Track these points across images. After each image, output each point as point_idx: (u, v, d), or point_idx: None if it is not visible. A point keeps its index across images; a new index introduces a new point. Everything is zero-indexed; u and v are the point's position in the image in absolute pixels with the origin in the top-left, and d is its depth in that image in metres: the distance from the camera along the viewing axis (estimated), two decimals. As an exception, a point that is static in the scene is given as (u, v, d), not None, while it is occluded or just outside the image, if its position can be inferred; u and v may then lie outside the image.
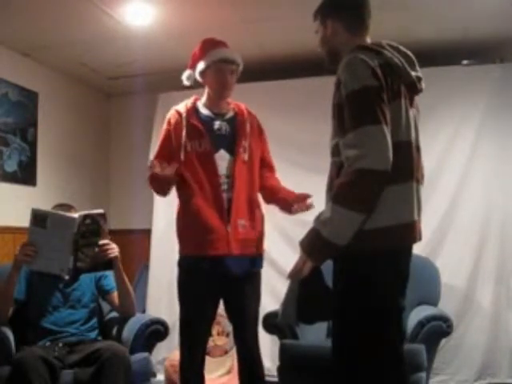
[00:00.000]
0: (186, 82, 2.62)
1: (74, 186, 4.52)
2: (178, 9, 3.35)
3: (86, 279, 2.95)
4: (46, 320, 2.84)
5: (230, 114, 2.58)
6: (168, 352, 3.86)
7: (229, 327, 3.60)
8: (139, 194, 4.51)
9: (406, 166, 1.78)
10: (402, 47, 1.90)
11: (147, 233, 4.42)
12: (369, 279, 1.75)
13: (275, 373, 3.15)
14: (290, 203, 2.52)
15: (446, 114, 3.82)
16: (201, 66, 2.52)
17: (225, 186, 2.45)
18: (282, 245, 3.84)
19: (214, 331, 3.73)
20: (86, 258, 2.73)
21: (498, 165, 3.72)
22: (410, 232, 1.80)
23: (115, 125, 5.04)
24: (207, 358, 2.60)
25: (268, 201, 2.66)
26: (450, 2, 3.31)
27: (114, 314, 3.12)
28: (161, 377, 3.89)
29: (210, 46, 2.53)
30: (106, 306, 3.16)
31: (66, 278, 2.73)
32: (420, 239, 1.87)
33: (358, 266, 1.76)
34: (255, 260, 2.51)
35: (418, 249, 2.05)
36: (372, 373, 1.76)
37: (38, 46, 3.89)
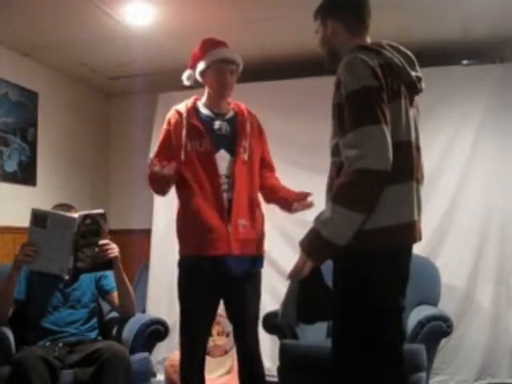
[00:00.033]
0: (186, 82, 2.62)
1: (73, 186, 4.52)
2: (178, 9, 3.35)
3: (86, 279, 2.95)
4: (46, 320, 2.84)
5: (230, 114, 2.58)
6: (168, 352, 3.86)
7: (229, 327, 3.60)
8: (139, 194, 4.51)
9: (405, 166, 1.78)
10: (401, 47, 1.90)
11: (147, 233, 4.42)
12: (369, 279, 1.75)
13: (275, 373, 3.15)
14: (291, 202, 2.52)
15: (446, 114, 3.82)
16: (201, 66, 2.51)
17: (225, 186, 2.45)
18: (282, 245, 3.84)
19: (214, 331, 3.73)
20: (86, 258, 2.73)
21: (497, 165, 3.72)
22: (410, 232, 1.80)
23: (115, 125, 5.04)
24: (207, 358, 2.60)
25: (268, 200, 2.66)
26: (450, 2, 3.32)
27: (114, 314, 3.12)
28: (161, 377, 3.89)
29: (210, 45, 2.53)
30: (106, 306, 3.16)
31: (66, 277, 2.73)
32: (420, 239, 1.87)
33: (358, 265, 1.76)
34: (255, 260, 2.51)
35: (418, 249, 2.05)
36: (372, 373, 1.76)
37: (37, 45, 3.89)
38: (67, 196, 4.11)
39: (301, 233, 1.82)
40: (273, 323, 3.10)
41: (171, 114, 2.55)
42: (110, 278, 2.98)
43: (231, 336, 3.58)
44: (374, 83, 1.72)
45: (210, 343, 3.58)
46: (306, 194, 2.51)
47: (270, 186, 2.63)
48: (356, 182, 1.67)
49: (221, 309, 2.58)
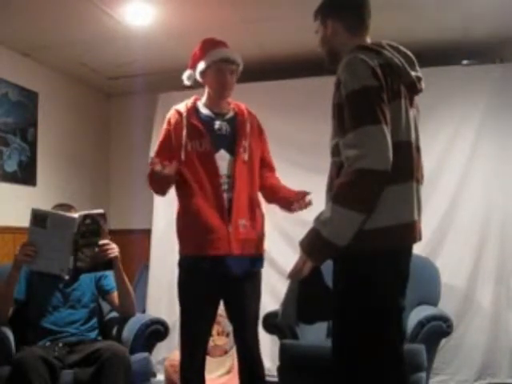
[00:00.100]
0: (186, 82, 2.62)
1: (74, 186, 4.52)
2: (178, 9, 3.35)
3: (86, 279, 2.95)
4: (46, 320, 2.84)
5: (230, 114, 2.58)
6: (168, 352, 3.86)
7: (229, 327, 3.60)
8: (139, 194, 4.51)
9: (405, 166, 1.78)
10: (401, 47, 1.90)
11: (147, 233, 4.42)
12: (369, 279, 1.75)
13: (275, 373, 3.15)
14: (290, 202, 2.53)
15: (446, 114, 3.82)
16: (201, 65, 2.51)
17: (225, 186, 2.45)
18: (282, 245, 3.84)
19: (214, 331, 3.73)
20: (86, 258, 2.73)
21: (497, 165, 3.72)
22: (409, 232, 1.80)
23: (115, 125, 5.04)
24: (207, 358, 2.60)
25: (269, 200, 2.66)
26: (450, 2, 3.32)
27: (114, 314, 3.12)
28: (161, 377, 3.89)
29: (210, 45, 2.53)
30: (106, 306, 3.16)
31: (66, 278, 2.73)
32: (420, 239, 1.87)
33: (358, 266, 1.76)
34: (255, 260, 2.51)
35: (418, 249, 2.05)
36: (372, 373, 1.76)
37: (38, 45, 3.89)
38: (67, 196, 4.11)
39: (301, 233, 1.82)
40: (273, 323, 3.10)
41: (171, 114, 2.55)
42: (110, 278, 2.98)
43: (231, 336, 3.58)
44: (374, 83, 1.72)
45: (210, 343, 3.57)
46: (305, 193, 2.51)
47: (270, 185, 2.63)
48: (356, 182, 1.67)
49: (221, 309, 2.58)
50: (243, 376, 2.55)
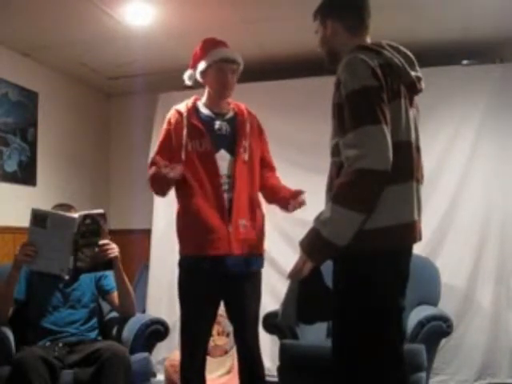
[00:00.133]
0: (187, 82, 2.63)
1: (73, 186, 4.52)
2: (177, 9, 3.35)
3: (86, 279, 2.95)
4: (46, 320, 2.84)
5: (230, 114, 2.58)
6: (168, 352, 3.86)
7: (229, 327, 3.60)
8: (139, 194, 4.51)
9: (405, 166, 1.78)
10: (401, 47, 1.90)
11: (147, 233, 4.42)
12: (369, 279, 1.75)
13: (275, 373, 3.15)
14: (287, 201, 2.53)
15: (446, 114, 3.82)
16: (202, 65, 2.51)
17: (226, 186, 2.45)
18: (282, 245, 3.84)
19: (214, 331, 3.73)
20: (86, 258, 2.73)
21: (497, 165, 3.72)
22: (410, 232, 1.80)
23: (115, 125, 5.04)
24: (207, 358, 2.60)
25: (269, 201, 2.66)
26: (450, 2, 3.32)
27: (114, 314, 3.12)
28: (161, 377, 3.89)
29: (210, 45, 2.53)
30: (106, 306, 3.16)
31: (66, 278, 2.73)
32: (420, 239, 1.87)
33: (358, 266, 1.76)
34: (256, 260, 2.51)
35: (418, 249, 2.05)
36: (372, 373, 1.76)
37: (38, 45, 3.89)
38: (67, 196, 4.11)
39: (301, 233, 1.82)
40: (273, 323, 3.10)
41: (171, 114, 2.55)
42: (110, 278, 2.98)
43: (231, 336, 3.58)
44: (374, 83, 1.72)
45: (210, 343, 3.57)
46: (299, 193, 2.51)
47: (270, 186, 2.63)
48: (356, 182, 1.67)
49: (221, 309, 2.58)
50: (243, 376, 2.56)
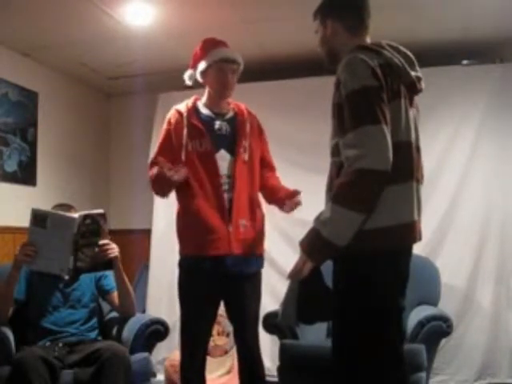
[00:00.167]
0: (187, 82, 2.63)
1: (74, 186, 4.52)
2: (177, 9, 3.35)
3: (86, 279, 2.96)
4: (46, 320, 2.84)
5: (230, 114, 2.58)
6: (168, 352, 3.86)
7: (229, 327, 3.60)
8: (139, 194, 4.51)
9: (405, 166, 1.78)
10: (401, 47, 1.90)
11: (147, 233, 4.42)
12: (369, 279, 1.75)
13: (275, 373, 3.15)
14: (284, 202, 2.53)
15: (446, 113, 3.82)
16: (202, 65, 2.51)
17: (226, 186, 2.45)
18: (282, 245, 3.84)
19: (214, 331, 3.73)
20: (86, 258, 2.73)
21: (497, 165, 3.72)
22: (409, 232, 1.80)
23: (115, 125, 5.04)
24: (207, 358, 2.60)
25: (268, 201, 2.66)
26: (450, 2, 3.32)
27: (114, 314, 3.12)
28: (161, 377, 3.89)
29: (210, 45, 2.53)
30: (106, 306, 3.16)
31: (66, 278, 2.73)
32: (420, 239, 1.87)
33: (358, 266, 1.76)
34: (256, 260, 2.51)
35: (418, 249, 2.05)
36: (372, 373, 1.76)
37: (38, 45, 3.89)
38: (67, 196, 4.11)
39: (301, 233, 1.82)
40: (273, 323, 3.10)
41: (171, 114, 2.55)
42: (110, 277, 2.98)
43: (231, 336, 3.58)
44: (374, 83, 1.72)
45: (211, 343, 3.57)
46: (295, 193, 2.51)
47: (270, 186, 2.63)
48: (356, 182, 1.67)
49: (221, 309, 2.58)
50: (243, 376, 2.56)
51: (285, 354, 3.05)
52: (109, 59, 4.17)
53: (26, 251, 2.67)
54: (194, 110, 2.53)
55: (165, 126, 2.56)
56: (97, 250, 2.75)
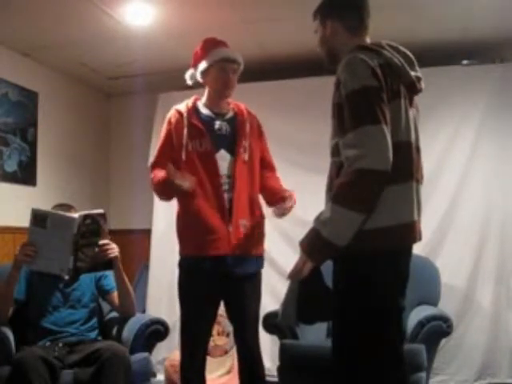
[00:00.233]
0: (189, 82, 2.63)
1: (74, 186, 4.52)
2: (177, 9, 3.35)
3: (86, 279, 2.95)
4: (46, 320, 2.84)
5: (230, 114, 2.58)
6: (168, 352, 3.86)
7: (229, 327, 3.60)
8: (139, 194, 4.52)
9: (405, 167, 1.78)
10: (401, 47, 1.90)
11: (147, 233, 4.42)
12: (369, 279, 1.75)
13: (275, 373, 3.15)
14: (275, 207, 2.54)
15: (446, 113, 3.82)
16: (203, 65, 2.51)
17: (226, 186, 2.45)
18: (282, 245, 3.84)
19: (214, 331, 3.73)
20: (86, 258, 2.73)
21: (498, 165, 3.72)
22: (409, 232, 1.80)
23: (115, 125, 5.04)
24: (207, 358, 2.60)
25: (269, 204, 2.64)
26: (450, 2, 3.32)
27: (114, 314, 3.12)
28: (161, 377, 3.89)
29: (211, 45, 2.53)
30: (106, 306, 3.16)
31: (66, 278, 2.73)
32: (420, 239, 1.87)
33: (358, 266, 1.76)
34: (256, 260, 2.51)
35: (417, 249, 2.05)
36: (372, 373, 1.76)
37: (38, 45, 3.89)
38: (67, 196, 4.11)
39: (301, 233, 1.82)
40: (273, 323, 3.10)
41: (172, 114, 2.55)
42: (110, 277, 2.98)
43: (231, 336, 3.58)
44: (374, 83, 1.72)
45: (211, 343, 3.57)
46: (285, 198, 2.50)
47: (269, 188, 2.62)
48: (356, 182, 1.67)
49: (221, 309, 2.58)
50: (243, 376, 2.56)
51: (285, 353, 3.05)
52: (109, 59, 4.17)
53: (25, 251, 2.67)
54: (194, 109, 2.53)
55: (165, 125, 2.56)
56: (97, 250, 2.75)
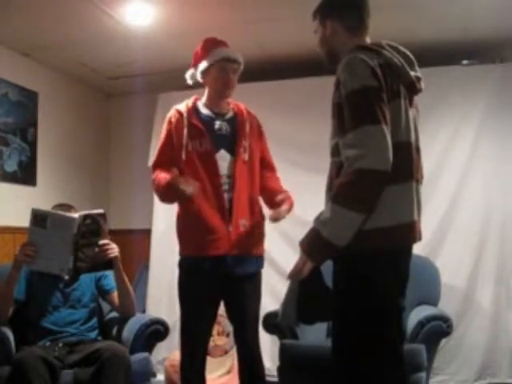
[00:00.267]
0: (189, 81, 2.63)
1: (74, 186, 4.52)
2: (177, 9, 3.35)
3: (86, 279, 2.95)
4: (46, 320, 2.84)
5: (230, 114, 2.58)
6: (168, 352, 3.86)
7: (229, 327, 3.60)
8: (139, 194, 4.52)
9: (405, 167, 1.78)
10: (401, 47, 1.90)
11: (147, 233, 4.42)
12: (369, 279, 1.75)
13: (275, 373, 3.15)
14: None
15: (446, 113, 3.82)
16: (203, 65, 2.51)
17: (226, 186, 2.45)
18: (282, 245, 3.84)
19: (214, 331, 3.73)
20: (86, 258, 2.73)
21: (497, 165, 3.72)
22: (409, 232, 1.80)
23: (115, 125, 5.04)
24: (207, 358, 2.60)
25: (269, 206, 2.63)
26: (450, 2, 3.32)
27: (114, 314, 3.12)
28: (161, 377, 3.89)
29: (211, 45, 2.53)
30: (106, 306, 3.16)
31: (66, 278, 2.73)
32: (420, 239, 1.87)
33: (358, 266, 1.76)
34: (256, 260, 2.51)
35: (417, 249, 2.05)
36: (372, 373, 1.76)
37: (38, 45, 3.89)
38: (67, 196, 4.11)
39: (301, 233, 1.82)
40: (273, 323, 3.10)
41: (172, 114, 2.55)
42: (109, 277, 2.98)
43: (231, 336, 3.58)
44: (374, 83, 1.72)
45: (211, 343, 3.57)
46: (280, 203, 2.48)
47: (268, 189, 2.61)
48: (356, 182, 1.67)
49: (221, 309, 2.58)
50: (243, 376, 2.55)
51: (285, 353, 3.05)
52: (109, 59, 4.17)
53: (25, 251, 2.67)
54: (194, 109, 2.53)
55: (165, 125, 2.56)
56: (97, 250, 2.75)
